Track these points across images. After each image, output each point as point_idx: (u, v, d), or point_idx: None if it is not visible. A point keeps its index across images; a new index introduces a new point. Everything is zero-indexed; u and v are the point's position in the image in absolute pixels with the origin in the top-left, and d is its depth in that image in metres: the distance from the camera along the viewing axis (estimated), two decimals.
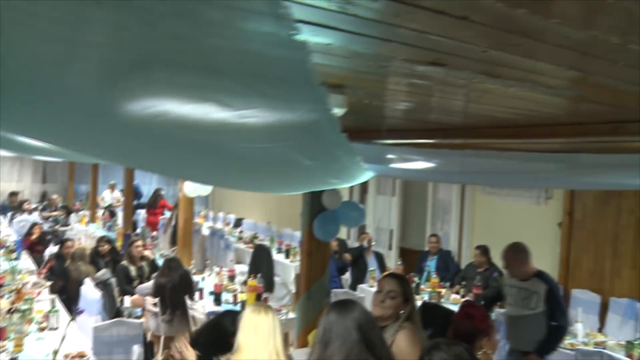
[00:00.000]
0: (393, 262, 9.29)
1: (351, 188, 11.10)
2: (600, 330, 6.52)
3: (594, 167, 3.40)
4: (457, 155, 3.71)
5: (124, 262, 7.03)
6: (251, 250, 9.08)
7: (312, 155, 2.14)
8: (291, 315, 5.87)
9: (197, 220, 13.26)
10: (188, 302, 6.08)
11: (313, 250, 4.90)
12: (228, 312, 4.21)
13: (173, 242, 10.61)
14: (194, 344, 3.81)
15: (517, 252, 4.87)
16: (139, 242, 7.17)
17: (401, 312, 3.24)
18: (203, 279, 7.48)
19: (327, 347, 2.53)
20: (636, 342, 5.21)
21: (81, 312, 5.24)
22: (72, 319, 4.69)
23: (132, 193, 12.22)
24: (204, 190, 7.77)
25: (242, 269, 8.42)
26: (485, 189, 8.72)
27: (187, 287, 6.15)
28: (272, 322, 3.20)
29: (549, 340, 4.62)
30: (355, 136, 4.05)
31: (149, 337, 6.00)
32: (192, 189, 7.67)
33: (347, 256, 8.05)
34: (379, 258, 8.32)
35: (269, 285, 7.75)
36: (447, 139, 3.74)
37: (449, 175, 4.72)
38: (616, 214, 7.02)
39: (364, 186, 11.05)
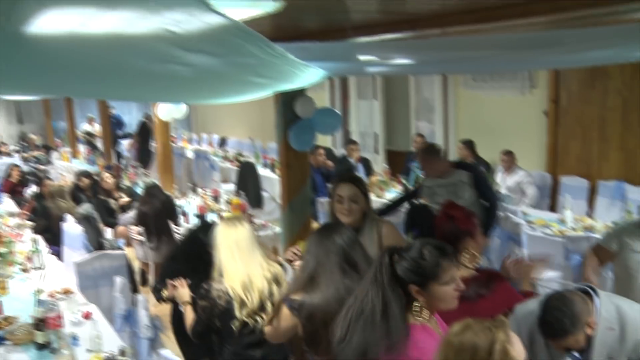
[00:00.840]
0: (380, 166, 9.20)
1: (332, 95, 10.86)
2: (589, 214, 6.52)
3: (579, 42, 3.19)
4: (434, 49, 3.50)
5: (101, 196, 6.96)
6: (237, 168, 8.97)
7: (228, 59, 1.98)
8: (278, 229, 5.79)
9: (181, 144, 13.10)
10: (173, 227, 6.01)
11: (291, 161, 4.75)
12: (202, 225, 4.12)
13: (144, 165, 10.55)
14: (172, 262, 3.71)
15: (429, 153, 4.89)
16: (107, 175, 7.10)
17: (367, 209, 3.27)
18: (189, 202, 7.38)
19: (314, 279, 2.52)
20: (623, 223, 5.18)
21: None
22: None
23: (108, 124, 11.95)
24: (177, 112, 7.52)
25: (230, 188, 8.33)
26: (468, 83, 8.51)
27: (170, 212, 6.06)
28: (250, 233, 3.12)
29: (487, 221, 4.68)
30: (320, 37, 3.81)
31: (137, 266, 5.96)
32: (166, 112, 7.42)
33: (330, 163, 7.92)
34: (366, 163, 8.21)
35: (257, 201, 7.69)
36: (417, 30, 3.51)
37: (428, 67, 4.50)
38: (602, 96, 6.84)
39: (344, 92, 10.80)
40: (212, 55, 1.94)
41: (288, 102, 4.43)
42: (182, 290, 3.27)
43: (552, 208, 7.08)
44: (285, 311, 2.56)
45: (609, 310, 2.37)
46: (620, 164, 6.69)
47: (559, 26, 3.45)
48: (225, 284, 2.98)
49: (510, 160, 7.07)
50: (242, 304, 2.98)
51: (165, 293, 3.41)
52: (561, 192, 7.03)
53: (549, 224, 5.67)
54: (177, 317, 3.49)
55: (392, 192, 7.34)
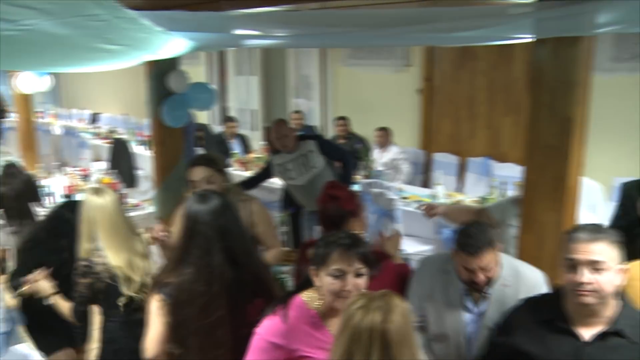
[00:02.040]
0: (258, 143, 9.11)
1: (210, 70, 10.59)
2: (459, 190, 6.82)
3: (452, 20, 3.25)
4: (311, 23, 3.44)
5: None
6: (109, 145, 8.52)
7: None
8: (153, 209, 5.56)
9: (48, 119, 12.27)
10: (36, 208, 5.59)
11: (165, 138, 4.54)
12: (67, 202, 3.86)
13: None
14: (33, 246, 3.44)
15: (280, 128, 4.93)
16: None
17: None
18: (55, 182, 6.90)
19: (189, 243, 2.35)
20: (489, 197, 5.46)
21: None
22: None
23: None
24: (40, 84, 6.98)
25: (102, 167, 7.90)
26: (346, 60, 8.58)
27: (32, 193, 5.61)
28: (118, 204, 2.95)
29: (345, 180, 4.87)
30: (192, 9, 3.63)
31: None
32: (26, 84, 6.86)
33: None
34: (243, 140, 8.09)
35: (131, 180, 7.35)
36: (295, 3, 3.44)
37: (304, 41, 4.44)
38: (471, 76, 7.16)
39: (222, 67, 10.56)
40: (44, 13, 1.72)
41: (159, 76, 4.22)
42: (43, 283, 3.03)
43: (426, 184, 7.34)
44: (158, 303, 2.34)
45: (506, 267, 2.46)
46: (487, 142, 7.05)
47: (434, 4, 3.53)
48: (107, 258, 2.80)
49: (385, 137, 7.22)
50: (127, 279, 2.81)
51: (23, 288, 3.14)
52: (434, 169, 7.30)
53: (422, 199, 5.86)
54: (29, 308, 3.24)
55: None
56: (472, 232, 2.33)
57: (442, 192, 5.97)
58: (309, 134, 5.16)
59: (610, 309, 2.00)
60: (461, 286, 2.45)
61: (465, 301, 2.45)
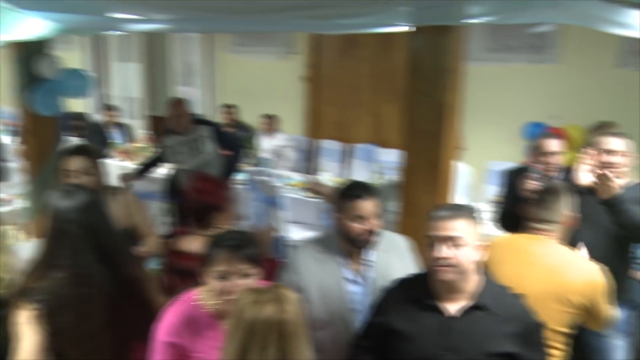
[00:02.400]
0: (142, 132, 8.79)
1: (93, 56, 10.06)
2: (345, 176, 6.93)
3: (335, 7, 3.26)
4: (191, 8, 3.33)
5: None
6: None
7: None
8: (24, 204, 5.21)
9: None
10: None
11: (36, 128, 4.27)
12: None
13: None
14: None
15: (177, 107, 4.88)
16: None
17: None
18: None
19: (56, 243, 2.17)
20: (371, 183, 5.59)
21: None
22: None
23: None
24: None
25: None
26: (231, 47, 8.46)
27: None
28: None
29: (229, 169, 4.92)
30: None
31: None
32: None
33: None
34: (124, 129, 7.77)
35: (0, 173, 6.86)
36: None
37: (185, 25, 4.30)
38: (354, 64, 7.27)
39: (102, 53, 10.07)
40: None
41: (26, 60, 3.94)
42: None
43: (311, 171, 7.40)
44: (29, 313, 2.10)
45: (383, 235, 2.56)
46: (370, 128, 7.21)
47: None
48: None
49: (271, 124, 7.21)
50: None
51: None
52: (319, 155, 7.37)
53: (307, 186, 5.90)
54: None
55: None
56: (358, 184, 2.49)
57: (327, 178, 6.05)
58: (205, 119, 5.08)
59: (473, 284, 2.07)
60: (340, 261, 2.50)
61: (346, 274, 2.50)
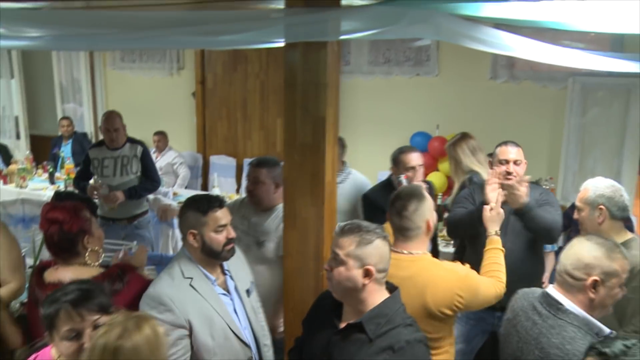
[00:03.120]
0: (22, 152, 8.35)
1: None
2: (237, 190, 6.91)
3: (220, 23, 3.26)
4: (74, 23, 3.21)
5: None
6: None
7: None
8: None
9: None
10: None
11: None
12: None
13: None
14: None
15: (112, 121, 4.76)
16: None
17: None
18: None
19: None
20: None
21: None
22: None
23: None
24: None
25: None
26: (117, 63, 8.26)
27: None
28: None
29: (142, 188, 4.79)
30: None
31: None
32: None
33: None
34: (2, 150, 7.36)
35: None
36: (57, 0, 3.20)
37: (67, 43, 4.14)
38: (243, 79, 7.29)
39: None
40: None
41: None
42: None
43: (204, 187, 7.33)
44: None
45: None
46: (261, 142, 7.25)
47: (199, 7, 3.51)
48: None
49: (162, 141, 7.09)
50: None
51: None
52: (210, 172, 7.31)
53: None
54: None
55: (36, 181, 6.74)
56: (207, 197, 2.53)
57: (218, 193, 6.00)
58: (136, 139, 4.94)
59: (368, 304, 2.04)
60: (210, 278, 2.50)
61: (218, 291, 2.51)
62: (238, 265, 2.69)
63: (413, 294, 2.36)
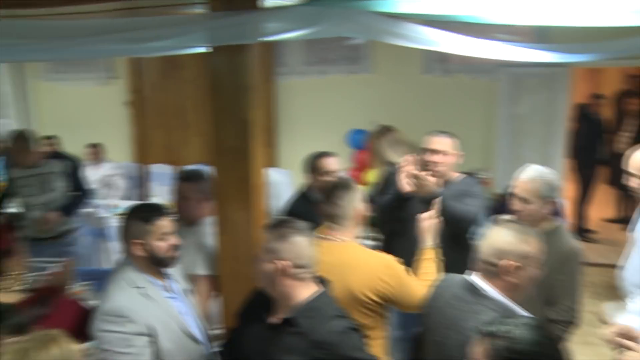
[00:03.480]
0: None
1: None
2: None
3: (148, 30, 3.20)
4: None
5: None
6: None
7: None
8: None
9: None
10: None
11: None
12: None
13: None
14: None
15: (21, 141, 4.60)
16: None
17: None
18: None
19: None
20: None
21: None
22: None
23: None
24: None
25: None
26: (45, 74, 8.01)
27: None
28: None
29: (71, 208, 4.65)
30: None
31: None
32: None
33: None
34: None
35: None
36: None
37: None
38: (179, 85, 7.19)
39: None
40: None
41: None
42: None
43: (143, 197, 7.18)
44: None
45: None
46: (200, 149, 7.15)
47: (129, 14, 3.45)
48: None
49: (97, 153, 6.92)
50: None
51: None
52: (150, 181, 7.18)
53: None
54: None
55: None
56: (148, 205, 2.57)
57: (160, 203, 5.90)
58: (60, 154, 4.89)
59: (292, 298, 2.06)
60: (158, 284, 2.48)
61: (165, 295, 2.49)
62: (175, 268, 2.68)
63: (340, 278, 2.41)
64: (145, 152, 7.46)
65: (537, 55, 4.03)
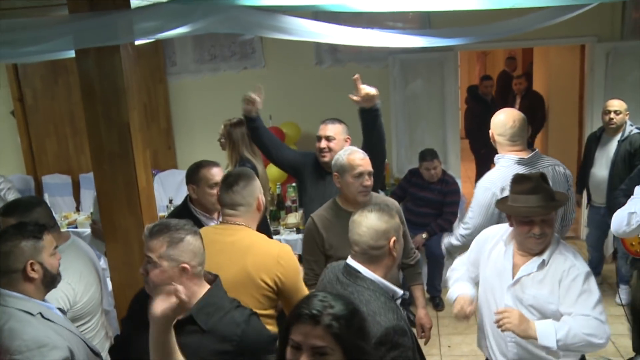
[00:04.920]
0: None
1: None
2: (77, 208, 6.54)
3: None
4: None
5: None
6: None
7: None
8: None
9: None
10: None
11: None
12: None
13: None
14: None
15: None
16: None
17: None
18: None
19: None
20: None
21: None
22: None
23: None
24: None
25: None
26: None
27: None
28: None
29: None
30: None
31: None
32: None
33: None
34: None
35: None
36: None
37: None
38: (67, 91, 6.89)
39: None
40: None
41: None
42: None
43: None
44: None
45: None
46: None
47: None
48: None
49: None
50: None
51: None
52: (45, 192, 6.87)
53: None
54: None
55: None
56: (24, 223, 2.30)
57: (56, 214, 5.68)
58: None
59: (195, 297, 2.03)
60: (47, 306, 2.34)
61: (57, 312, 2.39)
62: None
63: (235, 258, 2.45)
64: (37, 162, 7.12)
65: (423, 40, 4.17)
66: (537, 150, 3.30)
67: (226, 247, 2.39)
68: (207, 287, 2.10)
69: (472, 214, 3.23)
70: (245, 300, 2.25)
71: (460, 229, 3.37)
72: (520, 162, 3.15)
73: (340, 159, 3.02)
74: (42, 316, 2.18)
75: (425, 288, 5.27)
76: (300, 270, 2.64)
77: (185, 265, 2.01)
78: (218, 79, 6.62)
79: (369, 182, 3.00)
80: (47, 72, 6.86)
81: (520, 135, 3.22)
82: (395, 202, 3.21)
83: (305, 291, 2.58)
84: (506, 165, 3.17)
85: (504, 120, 3.24)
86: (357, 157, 3.00)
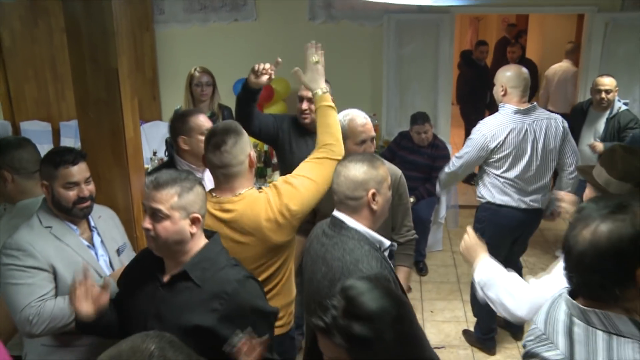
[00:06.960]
0: None
1: None
2: None
3: None
4: None
5: None
6: None
7: None
8: None
9: None
10: None
11: None
12: None
13: None
14: None
15: None
16: None
17: None
18: None
19: None
20: None
21: None
22: None
23: None
24: None
25: None
26: None
27: None
28: None
29: None
30: None
31: None
32: None
33: None
34: None
35: None
36: None
37: None
38: (48, 34, 6.63)
39: None
40: None
41: None
42: None
43: None
44: None
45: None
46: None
47: None
48: None
49: None
50: None
51: None
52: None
53: None
54: None
55: None
56: (65, 149, 2.35)
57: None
58: None
59: (189, 253, 1.98)
60: (70, 226, 2.40)
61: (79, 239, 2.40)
62: (109, 225, 2.54)
63: (249, 229, 2.33)
64: (15, 108, 6.88)
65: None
66: (535, 103, 3.70)
67: (229, 225, 2.33)
68: (205, 241, 2.04)
69: (467, 149, 3.72)
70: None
71: (454, 159, 3.87)
72: (517, 112, 3.59)
73: (341, 124, 2.81)
74: (48, 230, 2.30)
75: None
76: (295, 176, 2.48)
77: (197, 215, 1.95)
78: (207, 29, 6.42)
79: (371, 148, 2.92)
80: (27, 12, 6.57)
81: (528, 87, 3.65)
82: (399, 171, 3.03)
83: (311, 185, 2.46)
84: (504, 114, 3.63)
85: (518, 72, 3.62)
86: (358, 124, 2.89)
